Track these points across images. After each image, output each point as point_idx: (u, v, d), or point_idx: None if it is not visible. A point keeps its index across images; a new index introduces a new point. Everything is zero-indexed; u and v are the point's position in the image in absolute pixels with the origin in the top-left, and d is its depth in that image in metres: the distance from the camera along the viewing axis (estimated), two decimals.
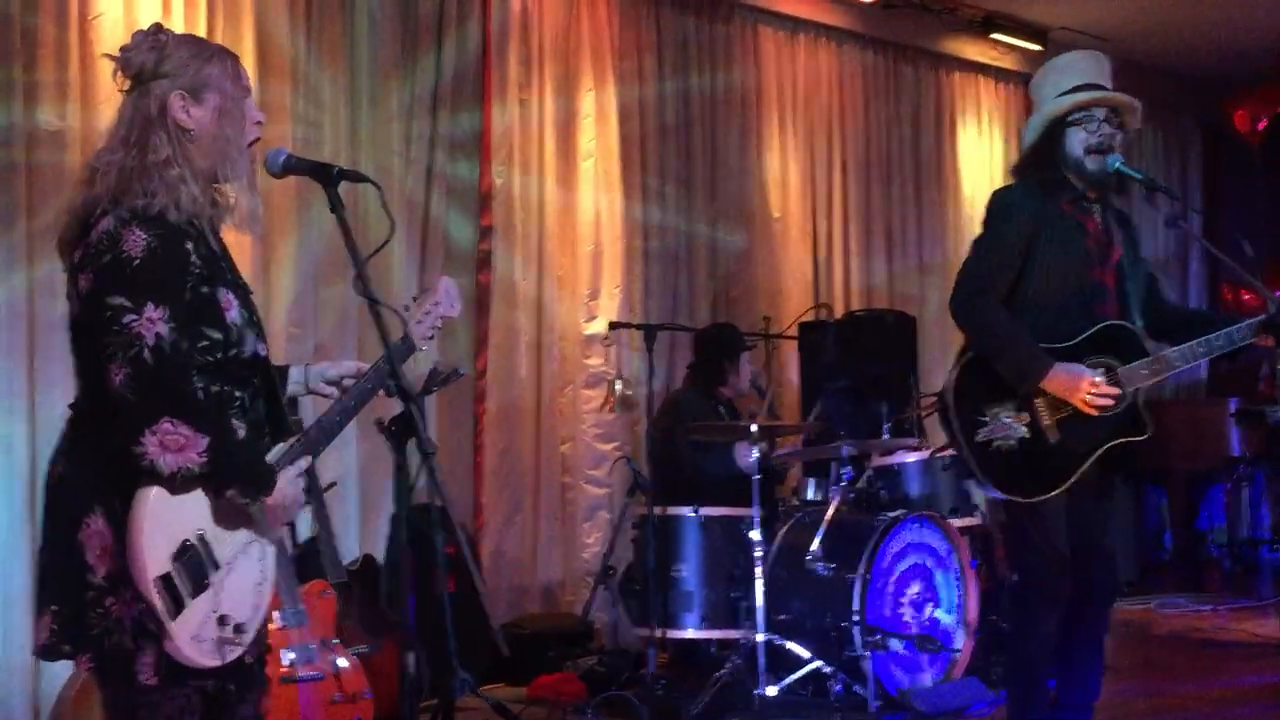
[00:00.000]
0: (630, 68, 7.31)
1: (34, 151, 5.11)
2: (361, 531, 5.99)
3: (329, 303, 5.99)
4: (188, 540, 2.52)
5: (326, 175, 2.81)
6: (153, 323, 2.48)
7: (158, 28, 2.75)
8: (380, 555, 5.80)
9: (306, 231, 5.87)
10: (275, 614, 4.22)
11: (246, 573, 2.65)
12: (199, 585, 2.53)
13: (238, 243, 3.08)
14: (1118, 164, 4.15)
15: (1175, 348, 4.07)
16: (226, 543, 2.59)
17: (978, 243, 4.16)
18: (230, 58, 2.77)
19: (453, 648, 4.39)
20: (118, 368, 2.46)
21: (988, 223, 4.15)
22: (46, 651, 2.55)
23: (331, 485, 5.13)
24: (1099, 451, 3.99)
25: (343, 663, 4.34)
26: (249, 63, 5.70)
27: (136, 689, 2.51)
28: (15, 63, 5.09)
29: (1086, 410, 3.93)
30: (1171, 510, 9.77)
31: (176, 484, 2.48)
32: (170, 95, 2.65)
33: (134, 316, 2.47)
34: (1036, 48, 9.03)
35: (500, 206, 6.72)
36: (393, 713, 4.64)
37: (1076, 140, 4.10)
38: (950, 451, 4.87)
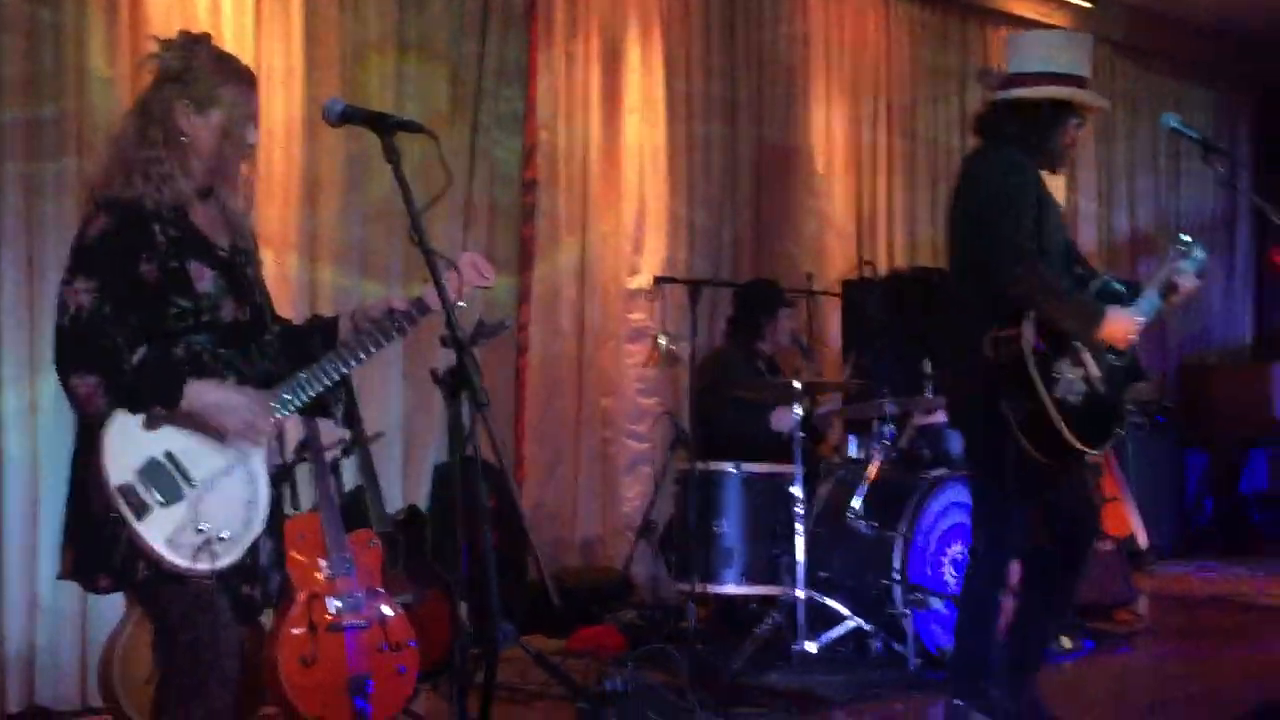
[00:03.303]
0: (677, 21, 7.26)
1: (83, 97, 5.12)
2: (406, 482, 6.02)
3: (376, 253, 6.01)
4: (154, 458, 2.81)
5: (383, 125, 2.84)
6: (78, 293, 2.81)
7: (198, 38, 3.00)
8: (425, 506, 5.84)
9: (361, 182, 5.89)
10: (321, 562, 4.27)
11: (232, 492, 2.89)
12: (171, 496, 2.80)
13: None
14: (1174, 123, 4.19)
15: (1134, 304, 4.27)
16: (203, 463, 2.85)
17: (991, 207, 4.15)
18: (246, 82, 3.01)
19: (494, 599, 4.42)
20: (56, 327, 2.84)
21: (998, 186, 4.18)
22: (71, 575, 2.92)
23: (378, 435, 5.15)
24: (1126, 396, 4.22)
25: (388, 611, 4.37)
26: (297, 5, 5.73)
27: (138, 585, 2.85)
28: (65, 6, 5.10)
29: (1128, 344, 4.15)
30: (1213, 474, 9.72)
31: (101, 420, 2.78)
32: (178, 102, 2.92)
33: (69, 286, 2.83)
34: (1088, 4, 8.92)
35: (544, 160, 6.71)
36: (436, 661, 4.69)
37: (1070, 128, 4.28)
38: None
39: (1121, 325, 4.11)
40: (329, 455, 4.59)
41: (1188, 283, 4.28)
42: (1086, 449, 4.10)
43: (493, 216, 6.53)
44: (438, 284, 2.80)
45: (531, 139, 6.68)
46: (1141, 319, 4.18)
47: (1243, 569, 8.12)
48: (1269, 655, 5.73)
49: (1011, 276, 4.06)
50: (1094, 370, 4.10)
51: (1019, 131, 4.25)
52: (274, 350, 3.06)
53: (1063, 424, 4.02)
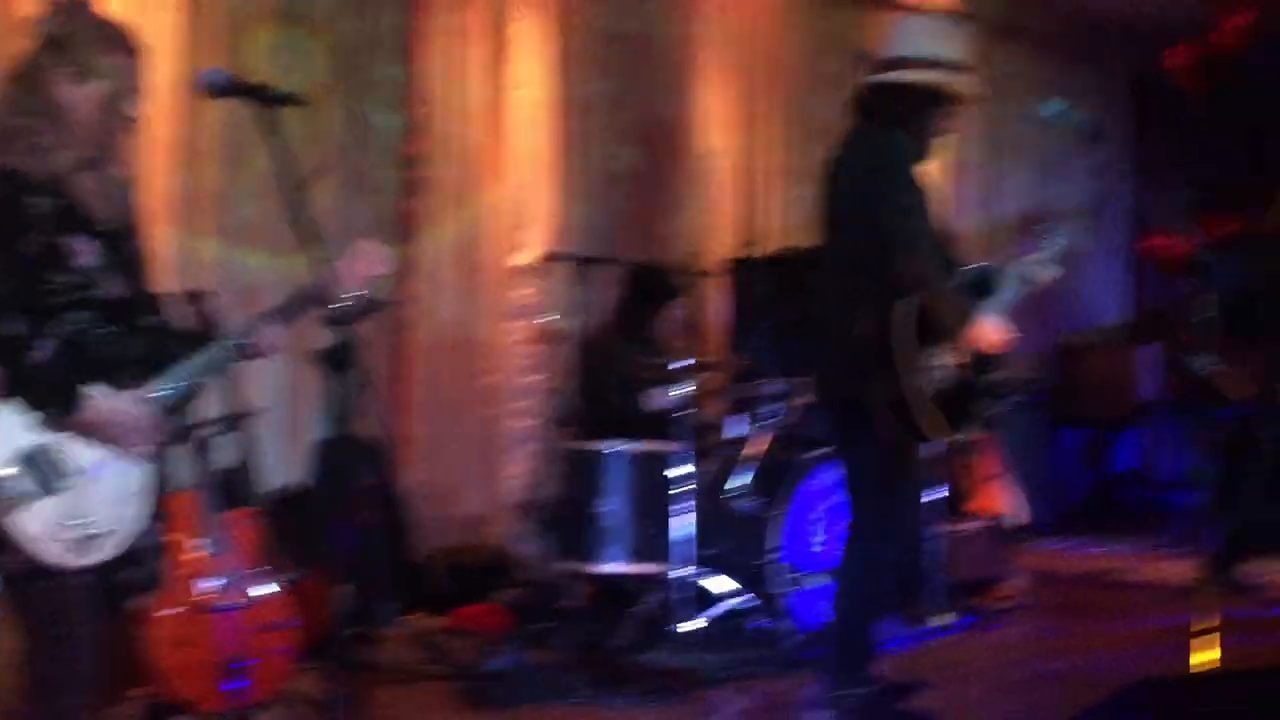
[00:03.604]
0: None
1: None
2: (286, 460, 5.93)
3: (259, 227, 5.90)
4: (32, 448, 2.69)
5: (262, 97, 2.77)
6: None
7: (81, 3, 2.85)
8: (306, 484, 5.75)
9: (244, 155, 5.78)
10: (198, 541, 4.18)
11: (112, 485, 2.79)
12: (49, 488, 2.69)
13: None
14: (1055, 109, 4.29)
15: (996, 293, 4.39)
16: (83, 454, 2.74)
17: (883, 187, 4.18)
18: (131, 52, 2.86)
19: (376, 578, 4.39)
20: None
21: (888, 167, 4.22)
22: None
23: (256, 413, 5.06)
24: (984, 387, 4.28)
25: (267, 591, 4.30)
26: None
27: (15, 584, 2.73)
28: None
29: (991, 352, 4.22)
30: (1086, 454, 9.94)
31: None
32: (57, 70, 2.78)
33: None
34: None
35: (427, 134, 6.63)
36: (317, 641, 4.62)
37: (946, 113, 4.35)
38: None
39: (989, 332, 4.19)
40: (207, 433, 4.50)
41: (1045, 274, 4.38)
42: (948, 433, 4.19)
43: (375, 191, 6.45)
44: (311, 262, 2.74)
45: (414, 112, 6.60)
46: (1004, 328, 4.28)
47: (1114, 546, 8.32)
48: (1140, 631, 5.87)
49: (902, 261, 4.10)
50: (957, 361, 4.17)
51: (899, 114, 4.29)
52: (155, 329, 2.95)
53: (927, 408, 4.09)
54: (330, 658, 3.25)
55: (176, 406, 2.92)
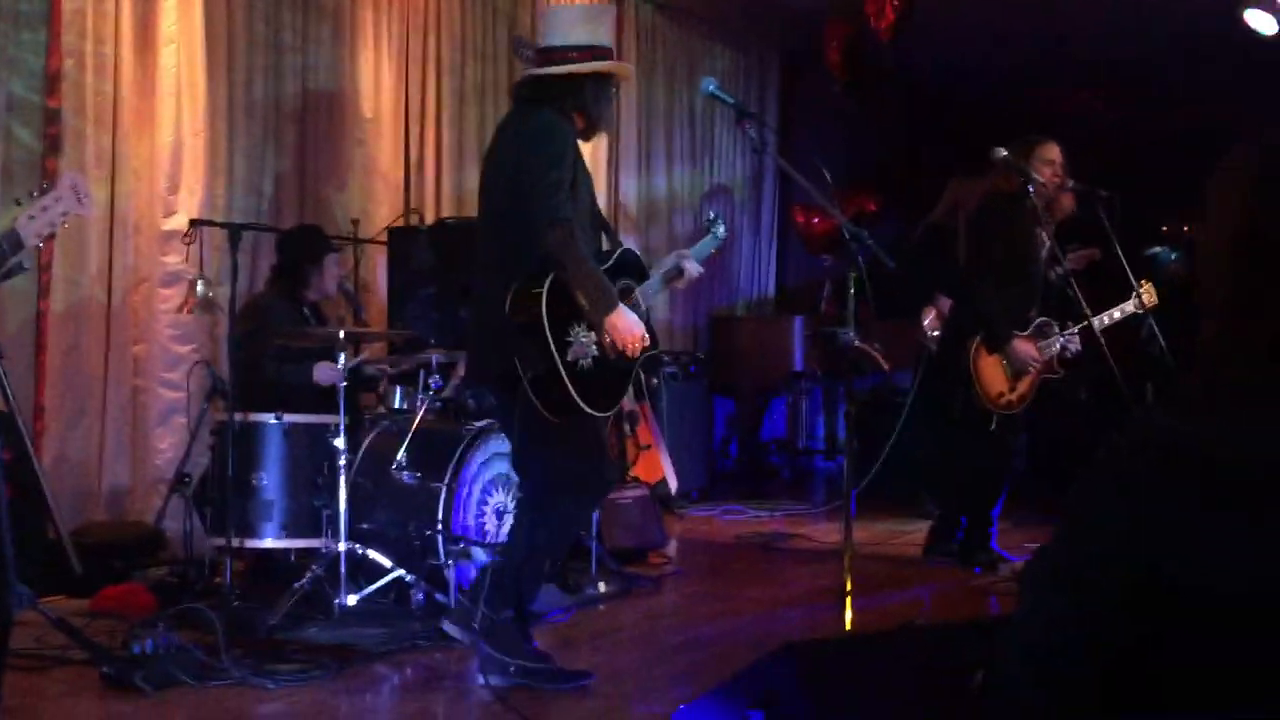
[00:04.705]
0: None
1: None
2: None
3: None
4: None
5: None
6: None
7: None
8: None
9: None
10: None
11: None
12: None
13: None
14: (712, 88, 4.45)
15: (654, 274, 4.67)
16: None
17: (534, 163, 4.25)
18: None
19: (9, 558, 4.12)
20: None
21: (541, 144, 4.28)
22: None
23: None
24: (638, 363, 4.37)
25: None
26: None
27: None
28: None
29: (630, 358, 4.31)
30: (739, 421, 10.33)
31: None
32: None
33: None
34: None
35: (71, 89, 6.25)
36: None
37: (602, 97, 4.47)
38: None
39: (624, 327, 4.22)
40: None
41: (693, 269, 4.67)
42: (594, 411, 4.27)
43: (11, 147, 6.05)
44: None
45: (56, 65, 6.21)
46: (642, 305, 4.47)
47: (763, 511, 8.67)
48: (788, 593, 6.14)
49: (546, 235, 4.15)
50: (607, 337, 4.26)
51: (566, 100, 4.39)
52: None
53: (571, 387, 4.16)
54: None
55: None
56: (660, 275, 4.66)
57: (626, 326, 4.23)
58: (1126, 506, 1.40)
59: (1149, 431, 1.43)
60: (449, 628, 4.54)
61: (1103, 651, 1.40)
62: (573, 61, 4.39)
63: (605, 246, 4.65)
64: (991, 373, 6.35)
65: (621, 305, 4.25)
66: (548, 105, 4.36)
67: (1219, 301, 1.47)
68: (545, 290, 4.16)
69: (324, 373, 5.86)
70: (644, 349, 4.32)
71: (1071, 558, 1.46)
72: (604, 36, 4.56)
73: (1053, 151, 6.35)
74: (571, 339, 4.18)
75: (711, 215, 4.98)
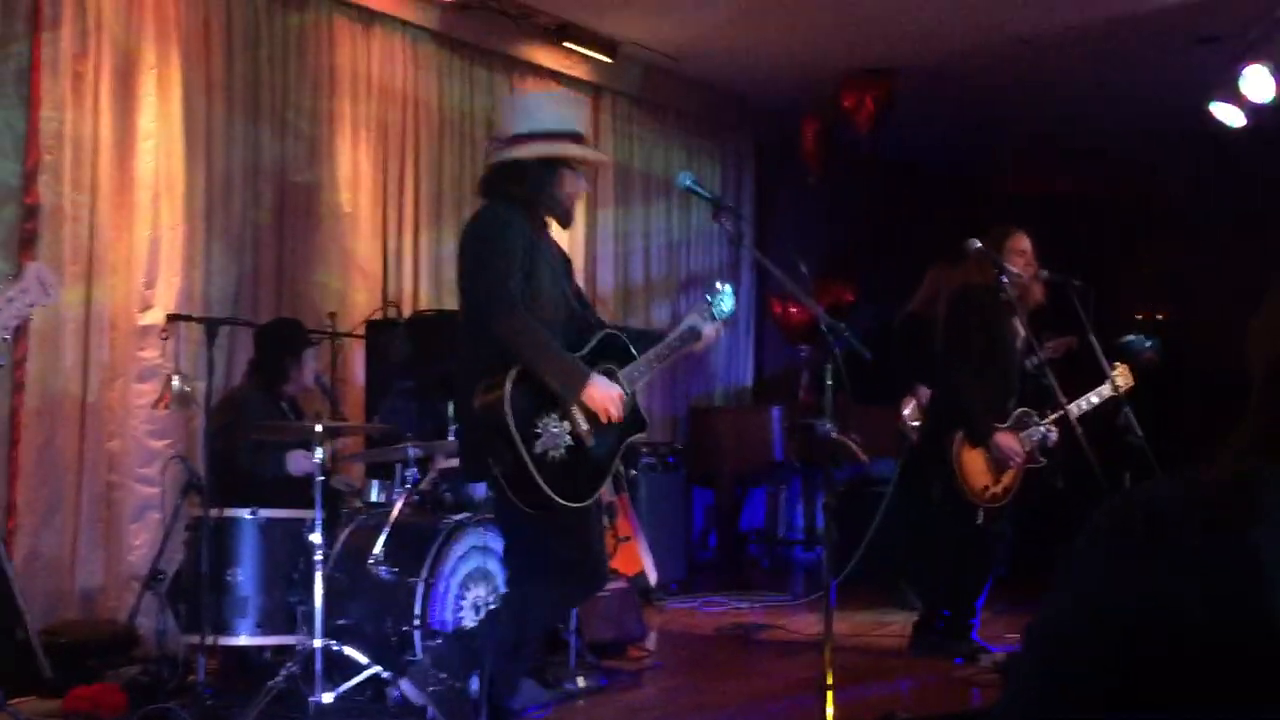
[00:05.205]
0: (197, 45, 6.98)
1: None
2: None
3: None
4: None
5: None
6: None
7: None
8: None
9: None
10: None
11: None
12: None
13: None
14: (688, 181, 4.47)
15: (643, 354, 4.58)
16: None
17: (481, 258, 4.29)
18: None
19: None
20: None
21: (486, 238, 4.34)
22: None
23: None
24: (621, 449, 4.39)
25: None
26: None
27: None
28: None
29: (611, 420, 4.28)
30: (717, 511, 10.29)
31: None
32: None
33: None
34: (607, 59, 9.28)
35: (49, 182, 6.27)
36: None
37: (569, 183, 4.51)
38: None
39: (602, 395, 4.24)
40: None
41: (710, 330, 4.58)
42: (568, 503, 4.24)
43: None
44: None
45: (34, 161, 6.23)
46: (627, 389, 4.40)
47: (742, 602, 8.61)
48: (769, 686, 6.07)
49: (497, 326, 4.17)
50: (582, 425, 4.24)
51: (513, 189, 4.43)
52: None
53: (540, 480, 4.14)
54: None
55: None
56: (665, 344, 4.59)
57: (601, 392, 4.23)
58: (1111, 568, 1.39)
59: (1137, 495, 1.43)
60: (405, 686, 4.51)
61: (1090, 711, 1.38)
62: (531, 145, 4.43)
63: (590, 323, 4.65)
64: (975, 466, 6.34)
65: (593, 372, 4.26)
66: (496, 197, 4.42)
67: (1263, 420, 1.46)
68: (508, 382, 4.16)
69: (297, 462, 5.83)
70: (634, 428, 4.33)
71: (1059, 619, 1.45)
72: (566, 120, 4.56)
73: (1023, 242, 6.40)
74: (540, 430, 4.17)
75: (721, 286, 4.87)
